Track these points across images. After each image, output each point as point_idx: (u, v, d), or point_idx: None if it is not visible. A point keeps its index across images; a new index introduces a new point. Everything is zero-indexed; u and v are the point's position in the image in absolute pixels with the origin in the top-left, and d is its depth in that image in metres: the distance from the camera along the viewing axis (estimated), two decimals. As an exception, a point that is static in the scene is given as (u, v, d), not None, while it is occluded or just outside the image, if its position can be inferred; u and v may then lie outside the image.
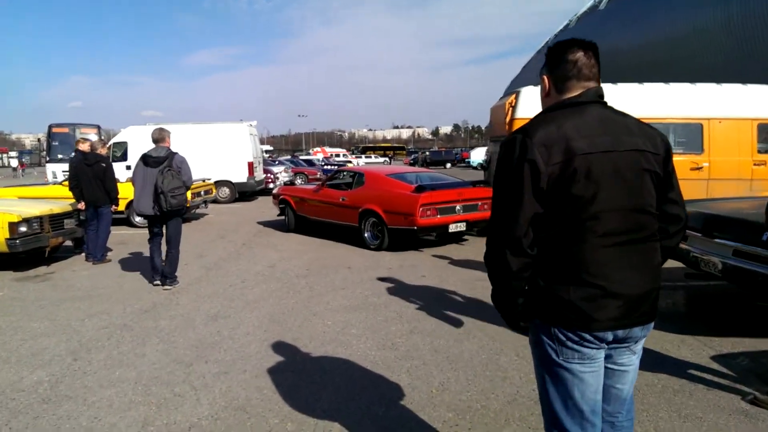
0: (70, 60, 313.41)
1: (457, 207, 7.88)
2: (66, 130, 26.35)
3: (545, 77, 1.79)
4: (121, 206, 11.14)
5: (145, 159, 5.77)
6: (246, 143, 16.36)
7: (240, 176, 16.27)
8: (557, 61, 1.74)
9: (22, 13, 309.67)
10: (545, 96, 1.81)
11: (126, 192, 11.25)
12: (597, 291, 1.59)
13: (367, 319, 4.80)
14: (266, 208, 14.58)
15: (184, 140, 16.17)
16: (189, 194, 11.02)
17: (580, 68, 1.70)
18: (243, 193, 16.79)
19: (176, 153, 5.85)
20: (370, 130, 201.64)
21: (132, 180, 5.87)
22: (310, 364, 3.83)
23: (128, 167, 16.41)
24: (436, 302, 5.28)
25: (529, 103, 8.38)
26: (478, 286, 5.82)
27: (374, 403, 3.20)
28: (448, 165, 46.98)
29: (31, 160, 65.03)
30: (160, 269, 6.06)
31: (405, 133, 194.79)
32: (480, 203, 8.15)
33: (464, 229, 8.09)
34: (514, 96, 8.55)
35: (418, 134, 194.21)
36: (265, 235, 9.92)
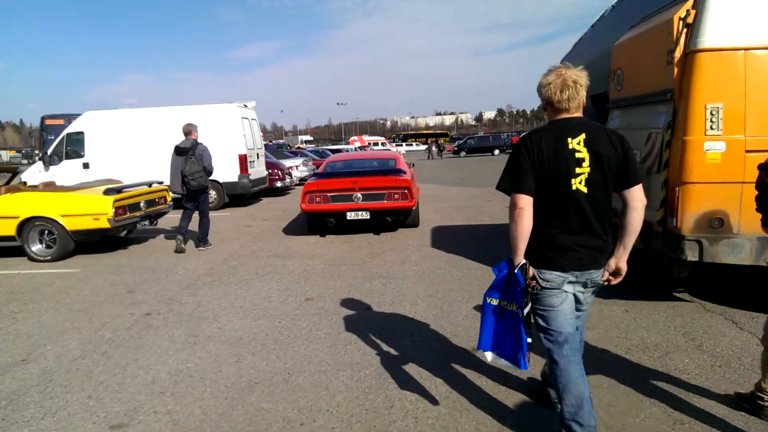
0: (123, 58, 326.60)
1: (356, 194, 7.80)
2: (61, 122, 22.85)
3: None
4: (10, 229, 7.27)
5: (177, 149, 7.12)
6: (236, 130, 12.16)
7: (230, 174, 12.06)
8: None
9: (73, 14, 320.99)
10: None
11: (18, 209, 7.25)
12: None
13: None
14: (258, 220, 10.48)
15: (156, 128, 11.77)
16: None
17: None
18: (239, 196, 12.64)
19: (200, 143, 7.19)
20: (413, 117, 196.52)
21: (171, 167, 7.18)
22: None
23: (86, 165, 12.66)
24: None
25: (733, 14, 3.80)
26: None
27: None
28: (497, 152, 41.69)
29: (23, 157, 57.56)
30: (184, 232, 7.47)
31: (448, 120, 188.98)
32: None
33: (368, 217, 7.83)
34: (691, 2, 3.95)
35: (461, 120, 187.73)
36: (211, 284, 5.72)
